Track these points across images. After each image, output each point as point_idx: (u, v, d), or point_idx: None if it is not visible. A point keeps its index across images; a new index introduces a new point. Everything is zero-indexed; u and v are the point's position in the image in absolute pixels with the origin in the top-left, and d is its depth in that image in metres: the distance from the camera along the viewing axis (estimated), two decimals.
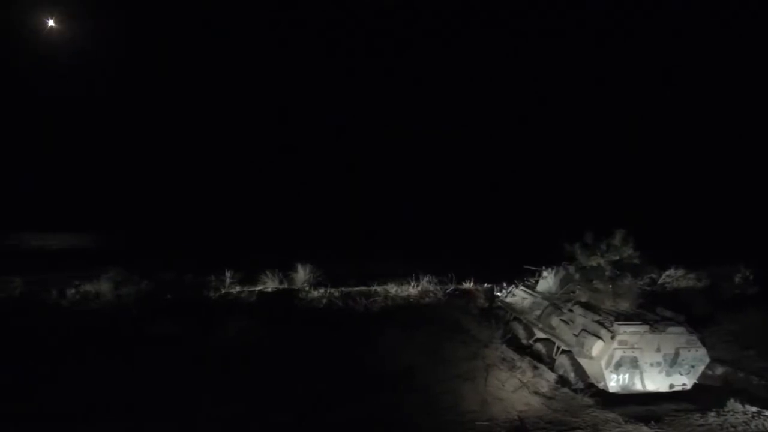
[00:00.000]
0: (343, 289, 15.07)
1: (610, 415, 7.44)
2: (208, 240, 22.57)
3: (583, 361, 8.52)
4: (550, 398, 8.06)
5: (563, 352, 9.06)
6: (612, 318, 8.39)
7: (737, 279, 14.48)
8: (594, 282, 9.54)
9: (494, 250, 19.74)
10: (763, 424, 7.02)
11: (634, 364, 8.08)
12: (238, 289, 14.26)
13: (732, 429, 7.00)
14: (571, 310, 9.24)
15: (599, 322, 8.41)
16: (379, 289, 15.03)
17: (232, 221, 27.12)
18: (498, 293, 12.60)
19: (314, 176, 37.39)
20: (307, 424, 6.95)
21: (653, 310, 8.94)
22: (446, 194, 34.38)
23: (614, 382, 8.08)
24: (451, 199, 33.16)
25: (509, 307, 11.56)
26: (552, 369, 9.05)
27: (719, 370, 9.52)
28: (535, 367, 8.86)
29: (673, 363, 8.22)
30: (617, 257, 9.94)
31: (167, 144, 38.14)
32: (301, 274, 16.38)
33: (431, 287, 15.28)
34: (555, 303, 9.92)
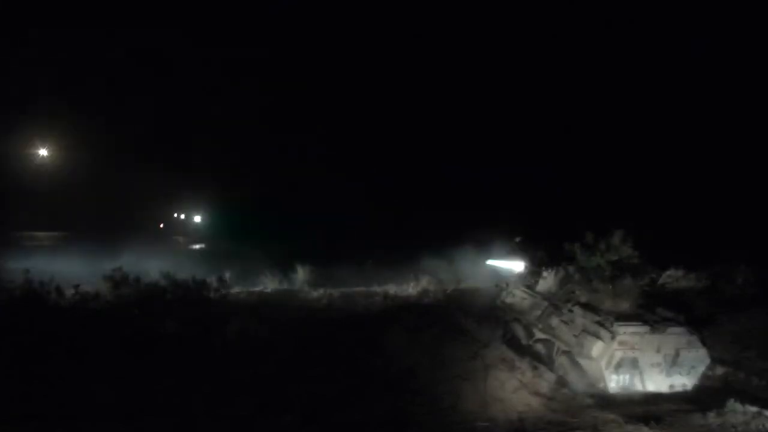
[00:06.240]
0: (343, 289, 15.10)
1: (610, 416, 7.43)
2: None
3: (583, 362, 8.50)
4: (549, 399, 8.05)
5: (563, 352, 9.05)
6: (612, 318, 8.37)
7: (738, 279, 14.47)
8: (594, 282, 9.53)
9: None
10: (763, 425, 7.00)
11: (634, 364, 8.06)
12: (237, 289, 14.29)
13: (732, 429, 6.98)
14: (570, 311, 9.22)
15: (599, 323, 8.39)
16: (378, 289, 15.07)
17: None
18: (498, 293, 12.57)
19: None
20: (313, 425, 6.94)
21: (653, 311, 8.91)
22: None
23: (614, 382, 8.06)
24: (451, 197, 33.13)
25: (509, 307, 11.54)
26: (552, 369, 9.02)
27: (719, 371, 9.49)
28: (535, 368, 8.84)
29: (673, 363, 8.20)
30: (617, 257, 9.92)
31: None
32: (301, 275, 16.39)
33: (431, 287, 15.31)
34: (555, 303, 9.91)
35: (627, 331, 8.06)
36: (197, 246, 34.00)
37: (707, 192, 27.34)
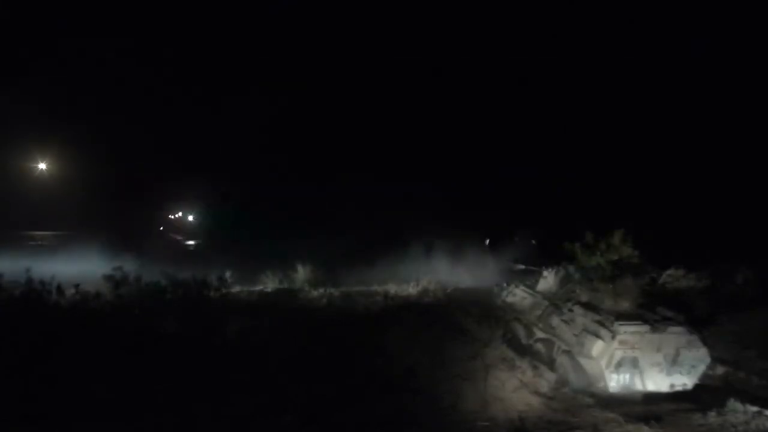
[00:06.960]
0: (343, 289, 15.08)
1: (611, 415, 7.43)
2: None
3: (583, 361, 8.51)
4: (550, 398, 8.05)
5: (563, 352, 9.05)
6: (612, 318, 8.38)
7: (738, 279, 14.47)
8: (594, 282, 9.54)
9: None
10: (763, 424, 7.01)
11: (634, 364, 8.07)
12: (237, 288, 14.27)
13: (732, 428, 6.99)
14: (571, 310, 9.22)
15: (599, 322, 8.40)
16: (379, 289, 15.05)
17: None
18: (498, 293, 12.59)
19: None
20: (313, 425, 6.93)
21: (654, 310, 8.91)
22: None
23: (614, 382, 8.07)
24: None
25: (509, 307, 11.55)
26: (552, 369, 9.03)
27: (720, 370, 9.50)
28: (535, 367, 8.85)
29: (673, 363, 8.20)
30: (617, 257, 9.95)
31: None
32: (301, 274, 16.39)
33: (431, 287, 15.30)
34: (555, 303, 9.91)
35: (627, 331, 8.07)
36: (192, 243, 34.29)
37: (707, 192, 27.34)
